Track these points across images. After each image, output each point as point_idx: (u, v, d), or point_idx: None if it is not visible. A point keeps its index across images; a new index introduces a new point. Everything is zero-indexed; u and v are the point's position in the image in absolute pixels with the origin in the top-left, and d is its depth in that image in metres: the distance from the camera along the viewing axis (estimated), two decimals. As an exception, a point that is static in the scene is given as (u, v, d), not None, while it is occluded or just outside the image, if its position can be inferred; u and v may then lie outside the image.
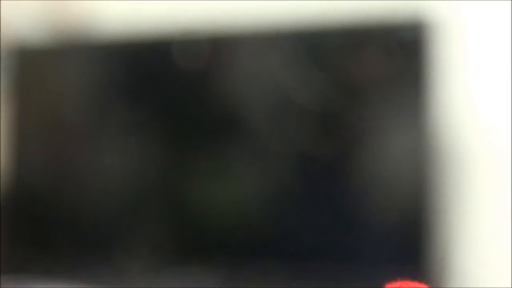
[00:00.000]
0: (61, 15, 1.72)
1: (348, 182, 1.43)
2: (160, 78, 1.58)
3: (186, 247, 1.53)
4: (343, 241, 1.42)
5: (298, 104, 1.44)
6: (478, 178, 1.41)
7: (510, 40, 1.39)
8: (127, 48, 1.61)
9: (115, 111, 1.62)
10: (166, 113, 1.57)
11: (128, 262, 1.54)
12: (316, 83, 1.42)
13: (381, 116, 1.40)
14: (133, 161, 1.59)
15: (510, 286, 1.34)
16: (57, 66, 1.68)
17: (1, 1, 1.75)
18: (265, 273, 1.44)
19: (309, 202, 1.45)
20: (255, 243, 1.48)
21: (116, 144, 1.61)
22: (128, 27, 1.61)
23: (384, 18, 1.40)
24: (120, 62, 1.62)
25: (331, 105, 1.42)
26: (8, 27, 1.72)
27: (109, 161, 1.61)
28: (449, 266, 1.40)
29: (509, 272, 1.36)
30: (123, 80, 1.62)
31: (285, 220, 1.46)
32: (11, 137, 1.67)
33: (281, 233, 1.47)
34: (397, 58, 1.38)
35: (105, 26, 1.66)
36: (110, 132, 1.62)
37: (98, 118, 1.63)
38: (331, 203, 1.43)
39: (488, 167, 1.40)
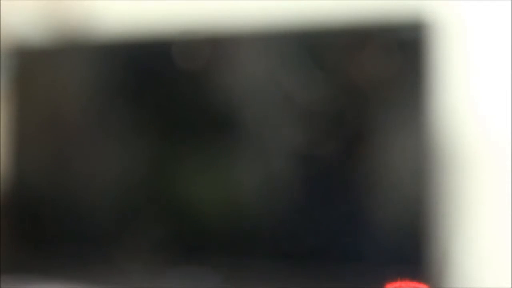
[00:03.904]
0: (61, 15, 1.72)
1: (348, 182, 1.43)
2: (160, 78, 1.58)
3: (186, 247, 1.53)
4: (343, 241, 1.42)
5: (298, 104, 1.44)
6: (478, 178, 1.41)
7: (510, 40, 1.39)
8: (127, 48, 1.61)
9: (114, 111, 1.62)
10: (166, 113, 1.57)
11: (128, 262, 1.54)
12: (316, 83, 1.42)
13: (381, 116, 1.40)
14: (133, 161, 1.59)
15: (510, 286, 1.34)
16: (57, 66, 1.68)
17: (1, 1, 1.75)
18: (265, 273, 1.44)
19: (309, 202, 1.45)
20: (255, 243, 1.48)
21: (116, 144, 1.61)
22: (128, 27, 1.62)
23: (384, 18, 1.40)
24: (120, 62, 1.62)
25: (331, 105, 1.42)
26: (8, 27, 1.72)
27: (109, 161, 1.61)
28: (449, 266, 1.40)
29: (509, 272, 1.36)
30: (123, 80, 1.62)
31: (285, 220, 1.46)
32: (11, 137, 1.67)
33: (281, 233, 1.47)
34: (397, 58, 1.38)
35: (105, 26, 1.66)
36: (110, 132, 1.62)
37: (97, 118, 1.63)
38: (331, 203, 1.43)
39: (488, 167, 1.40)
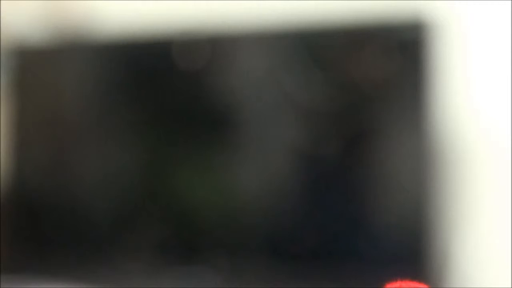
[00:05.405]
0: (61, 15, 1.72)
1: (348, 182, 1.43)
2: (160, 78, 1.58)
3: (186, 247, 1.53)
4: (343, 241, 1.42)
5: (298, 104, 1.44)
6: (478, 178, 1.41)
7: (510, 40, 1.39)
8: (127, 48, 1.61)
9: (114, 111, 1.62)
10: (166, 113, 1.57)
11: (128, 262, 1.54)
12: (316, 83, 1.42)
13: (381, 116, 1.40)
14: (134, 160, 1.59)
15: (510, 286, 1.34)
16: (57, 66, 1.68)
17: (1, 1, 1.75)
18: (265, 273, 1.44)
19: (309, 202, 1.45)
20: (255, 243, 1.48)
21: (116, 144, 1.61)
22: (128, 27, 1.62)
23: (384, 18, 1.40)
24: (120, 62, 1.62)
25: (331, 105, 1.42)
26: (8, 27, 1.72)
27: (109, 161, 1.61)
28: (449, 266, 1.40)
29: (509, 272, 1.36)
30: (123, 80, 1.62)
31: (285, 219, 1.46)
32: (11, 137, 1.67)
33: (281, 233, 1.47)
34: (397, 58, 1.38)
35: (105, 26, 1.66)
36: (110, 132, 1.62)
37: (97, 118, 1.63)
38: (331, 203, 1.43)
39: (488, 167, 1.40)
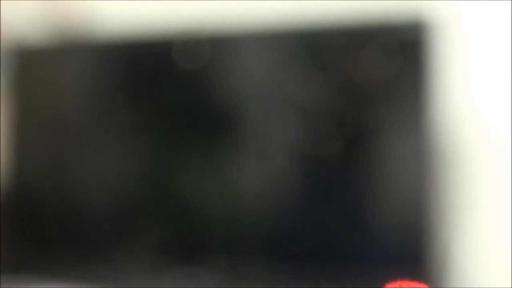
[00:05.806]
0: (61, 15, 1.72)
1: (348, 182, 1.43)
2: (160, 78, 1.58)
3: (186, 247, 1.53)
4: (343, 241, 1.42)
5: (298, 104, 1.44)
6: (478, 178, 1.41)
7: (510, 40, 1.39)
8: (127, 48, 1.61)
9: (114, 111, 1.62)
10: (166, 113, 1.57)
11: (128, 262, 1.54)
12: (316, 83, 1.42)
13: (381, 116, 1.40)
14: (134, 161, 1.59)
15: (510, 286, 1.34)
16: (57, 66, 1.68)
17: (1, 1, 1.75)
18: (265, 273, 1.44)
19: (309, 202, 1.45)
20: (255, 243, 1.48)
21: (116, 144, 1.61)
22: (128, 27, 1.62)
23: (384, 18, 1.40)
24: (120, 62, 1.62)
25: (331, 105, 1.42)
26: (8, 27, 1.72)
27: (109, 161, 1.61)
28: (449, 266, 1.40)
29: (509, 272, 1.36)
30: (123, 80, 1.62)
31: (285, 220, 1.46)
32: (11, 137, 1.67)
33: (281, 233, 1.47)
34: (397, 58, 1.38)
35: (105, 26, 1.66)
36: (110, 132, 1.62)
37: (97, 118, 1.63)
38: (331, 203, 1.43)
39: (488, 167, 1.40)
